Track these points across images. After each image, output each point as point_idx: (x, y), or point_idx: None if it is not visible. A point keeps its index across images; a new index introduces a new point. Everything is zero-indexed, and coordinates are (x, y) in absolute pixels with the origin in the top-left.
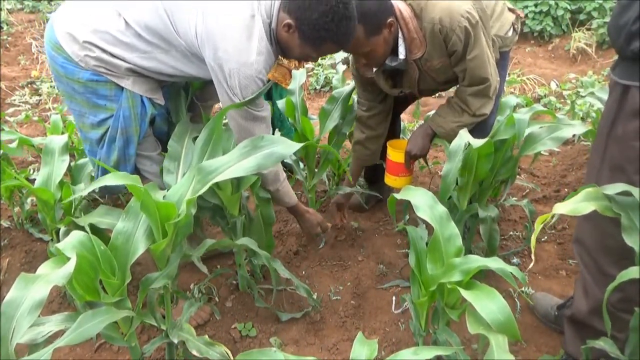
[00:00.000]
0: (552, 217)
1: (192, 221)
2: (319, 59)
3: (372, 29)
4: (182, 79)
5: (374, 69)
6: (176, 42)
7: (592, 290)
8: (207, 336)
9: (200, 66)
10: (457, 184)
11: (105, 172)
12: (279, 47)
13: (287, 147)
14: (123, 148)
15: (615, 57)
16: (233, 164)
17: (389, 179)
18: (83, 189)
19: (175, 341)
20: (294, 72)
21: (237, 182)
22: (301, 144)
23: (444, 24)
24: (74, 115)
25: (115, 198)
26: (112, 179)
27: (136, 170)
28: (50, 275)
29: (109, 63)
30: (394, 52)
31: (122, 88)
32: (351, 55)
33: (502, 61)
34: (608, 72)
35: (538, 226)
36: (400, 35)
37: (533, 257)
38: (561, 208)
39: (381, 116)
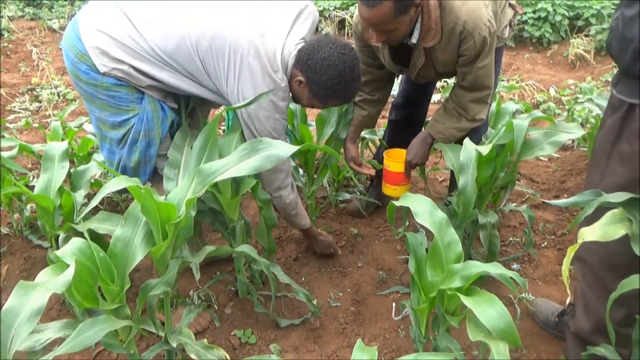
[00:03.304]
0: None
1: (193, 223)
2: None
3: (401, 8)
4: (196, 97)
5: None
6: (205, 81)
7: (594, 309)
8: (205, 340)
9: (223, 98)
10: (456, 189)
11: (123, 172)
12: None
13: (285, 149)
14: (145, 150)
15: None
16: (232, 166)
17: (389, 189)
18: (84, 195)
19: (174, 345)
20: None
21: (236, 186)
22: (298, 147)
23: (467, 27)
24: (92, 116)
25: (115, 204)
26: (115, 184)
27: (154, 169)
28: (49, 283)
29: (133, 76)
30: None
31: (143, 91)
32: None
33: (496, 56)
34: (609, 86)
35: (569, 255)
36: (419, 19)
37: (569, 291)
38: (589, 234)
39: (377, 84)
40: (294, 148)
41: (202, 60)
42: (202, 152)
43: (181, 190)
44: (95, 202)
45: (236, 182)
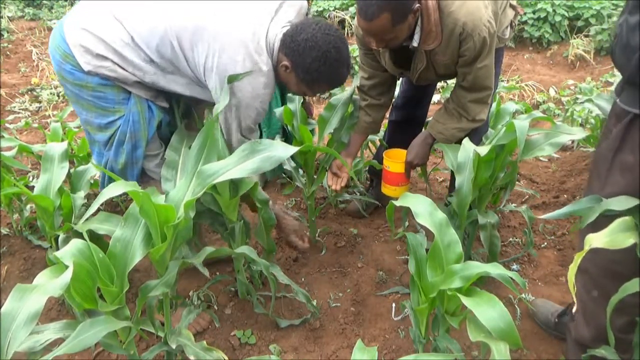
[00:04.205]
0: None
1: (192, 225)
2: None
3: (399, 17)
4: (186, 97)
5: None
6: (185, 71)
7: (594, 317)
8: (204, 342)
9: (206, 92)
10: (456, 189)
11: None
12: (279, 81)
13: (285, 151)
14: (131, 152)
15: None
16: (232, 167)
17: (388, 190)
18: (83, 196)
19: (174, 346)
20: None
21: (235, 187)
22: (298, 148)
23: (467, 28)
24: (80, 118)
25: (115, 204)
26: (114, 189)
27: (142, 170)
28: (47, 286)
29: (120, 74)
30: (409, 35)
31: (130, 92)
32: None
33: (497, 57)
34: (613, 95)
35: (576, 262)
36: (419, 22)
37: (574, 299)
38: (596, 240)
39: (384, 87)
40: (294, 149)
41: (183, 50)
42: (200, 154)
43: (179, 191)
44: (94, 208)
45: (234, 183)
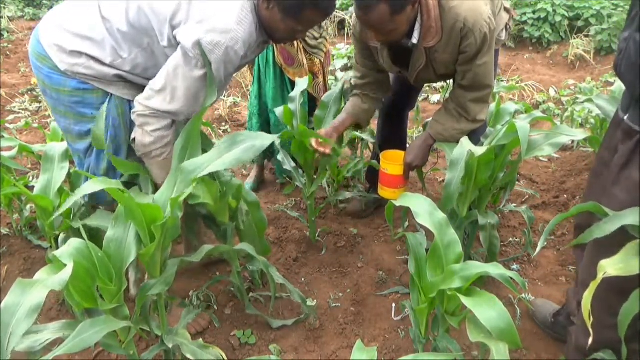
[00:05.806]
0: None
1: (180, 223)
2: (307, 33)
3: (397, 7)
4: None
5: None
6: (159, 42)
7: (596, 329)
8: (201, 340)
9: None
10: (445, 184)
11: None
12: (264, 29)
13: (264, 140)
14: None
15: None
16: (213, 161)
17: (386, 192)
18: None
19: (170, 346)
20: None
21: (224, 189)
22: (277, 135)
23: (467, 24)
24: (60, 128)
25: (114, 205)
26: (92, 186)
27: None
28: (47, 281)
29: (97, 70)
30: (408, 32)
31: (109, 96)
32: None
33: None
34: (619, 110)
35: (591, 290)
36: (418, 19)
37: (590, 329)
38: (610, 268)
39: (376, 85)
40: (273, 137)
41: (152, 8)
42: (184, 152)
43: (165, 190)
44: (70, 202)
45: (221, 185)
